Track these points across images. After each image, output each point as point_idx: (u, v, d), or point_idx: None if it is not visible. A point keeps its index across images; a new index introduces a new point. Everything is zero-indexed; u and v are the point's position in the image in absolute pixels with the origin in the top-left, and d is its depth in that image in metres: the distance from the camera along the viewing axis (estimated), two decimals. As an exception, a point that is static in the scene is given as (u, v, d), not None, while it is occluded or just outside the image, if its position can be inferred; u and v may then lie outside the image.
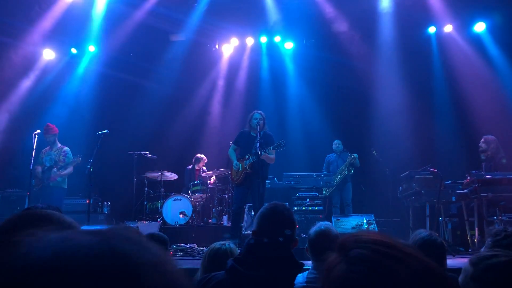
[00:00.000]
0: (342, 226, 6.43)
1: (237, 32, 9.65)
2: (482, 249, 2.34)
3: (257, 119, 6.17)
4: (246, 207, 6.94)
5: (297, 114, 9.89)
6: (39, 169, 7.03)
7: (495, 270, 1.35)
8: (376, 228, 6.41)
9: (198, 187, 8.25)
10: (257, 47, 9.97)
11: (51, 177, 6.97)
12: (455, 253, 5.49)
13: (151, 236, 2.74)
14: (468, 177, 6.10)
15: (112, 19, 8.79)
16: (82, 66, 9.66)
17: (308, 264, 2.73)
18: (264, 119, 6.24)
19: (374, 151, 8.11)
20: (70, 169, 7.12)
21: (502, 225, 5.10)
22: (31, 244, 0.47)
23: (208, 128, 10.05)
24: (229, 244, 2.76)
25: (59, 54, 9.47)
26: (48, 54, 9.34)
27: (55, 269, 0.44)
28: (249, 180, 6.13)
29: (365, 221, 6.48)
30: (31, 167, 6.76)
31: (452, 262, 4.01)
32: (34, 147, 6.74)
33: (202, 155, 8.98)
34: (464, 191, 6.12)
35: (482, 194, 5.72)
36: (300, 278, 2.54)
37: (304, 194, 7.36)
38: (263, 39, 9.81)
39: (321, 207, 7.25)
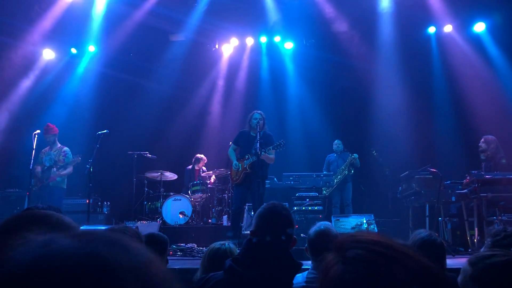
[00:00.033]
0: (342, 226, 6.43)
1: (237, 32, 9.65)
2: (482, 249, 2.34)
3: (257, 119, 6.17)
4: (246, 207, 6.93)
5: (297, 114, 9.89)
6: (39, 169, 7.03)
7: (494, 270, 1.35)
8: (375, 228, 6.40)
9: (198, 187, 8.25)
10: (257, 47, 9.97)
11: (50, 177, 6.97)
12: (455, 253, 5.49)
13: (151, 236, 2.73)
14: (468, 177, 6.10)
15: (112, 19, 8.80)
16: (82, 66, 9.66)
17: (308, 264, 2.73)
18: (264, 119, 6.24)
19: (374, 151, 8.12)
20: (69, 169, 7.12)
21: (502, 225, 5.11)
22: (16, 249, 0.48)
23: (208, 128, 10.05)
24: (228, 244, 2.76)
25: (59, 54, 9.47)
26: (48, 54, 9.34)
27: (32, 276, 0.45)
28: (248, 180, 6.13)
29: (364, 221, 6.48)
30: (30, 167, 6.76)
31: (451, 262, 4.01)
32: (34, 147, 6.74)
33: (202, 155, 8.98)
34: (464, 191, 6.12)
35: (481, 194, 5.72)
36: (300, 278, 2.54)
37: (304, 194, 7.36)
38: (263, 39, 9.81)
39: (320, 207, 7.24)
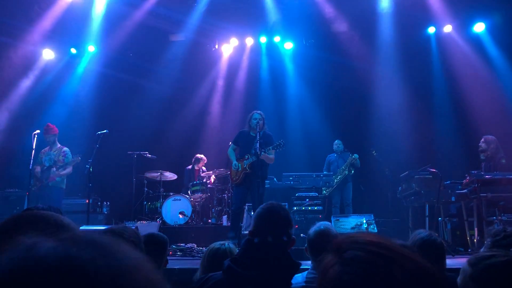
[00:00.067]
0: (342, 226, 6.43)
1: (237, 32, 9.65)
2: (482, 249, 2.34)
3: (257, 119, 6.17)
4: (246, 207, 6.93)
5: (297, 114, 9.89)
6: (38, 169, 7.03)
7: (493, 270, 1.35)
8: (375, 228, 6.40)
9: (198, 187, 8.25)
10: (256, 47, 9.97)
11: (50, 177, 6.98)
12: (455, 253, 5.50)
13: (150, 236, 2.73)
14: (468, 177, 6.10)
15: (112, 19, 8.79)
16: (82, 66, 9.66)
17: (308, 264, 2.73)
18: (263, 119, 6.24)
19: (374, 151, 8.12)
20: (69, 169, 7.12)
21: (502, 225, 5.11)
22: (3, 253, 0.49)
23: (208, 128, 10.05)
24: (228, 244, 2.76)
25: (59, 54, 9.47)
26: (48, 54, 9.34)
27: (10, 281, 0.46)
28: (248, 180, 6.13)
29: (364, 221, 6.47)
30: (30, 167, 6.75)
31: (451, 262, 4.01)
32: (34, 147, 6.74)
33: (202, 155, 8.98)
34: (464, 191, 6.13)
35: (481, 194, 5.73)
36: (300, 278, 2.54)
37: (304, 194, 7.36)
38: (263, 39, 9.81)
39: (320, 207, 7.25)
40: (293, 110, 9.95)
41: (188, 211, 7.93)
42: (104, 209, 8.17)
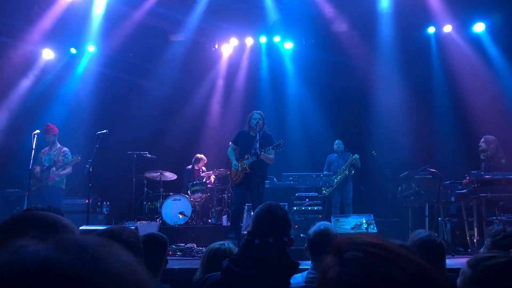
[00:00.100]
0: (342, 226, 6.42)
1: (237, 32, 9.65)
2: (481, 250, 2.34)
3: (257, 119, 6.17)
4: (246, 207, 6.93)
5: (297, 114, 9.89)
6: (38, 169, 7.03)
7: (493, 272, 1.35)
8: (375, 228, 6.40)
9: (198, 187, 8.25)
10: (256, 47, 9.97)
11: (49, 176, 6.98)
12: (454, 253, 5.50)
13: (150, 236, 2.73)
14: (468, 177, 6.11)
15: (112, 19, 8.79)
16: (82, 66, 9.65)
17: (308, 264, 2.73)
18: (263, 119, 6.24)
19: (374, 151, 8.12)
20: (69, 169, 7.12)
21: (501, 225, 5.10)
22: None
23: (208, 128, 10.04)
24: (228, 244, 2.76)
25: (59, 54, 9.46)
26: (48, 54, 9.33)
27: None
28: (248, 180, 6.12)
29: (364, 221, 6.47)
30: (30, 167, 6.75)
31: (451, 262, 4.01)
32: (33, 147, 6.74)
33: (202, 155, 8.97)
34: (463, 191, 6.13)
35: (481, 194, 5.73)
36: (299, 278, 2.54)
37: (304, 194, 7.36)
38: (263, 39, 9.81)
39: (320, 207, 7.25)
40: (293, 110, 9.95)
41: (188, 211, 7.93)
42: (104, 209, 8.17)
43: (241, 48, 9.99)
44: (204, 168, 8.98)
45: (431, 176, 6.53)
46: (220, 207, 8.34)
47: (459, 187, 6.30)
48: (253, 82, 10.06)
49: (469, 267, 1.42)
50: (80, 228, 4.11)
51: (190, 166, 9.02)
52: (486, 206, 5.78)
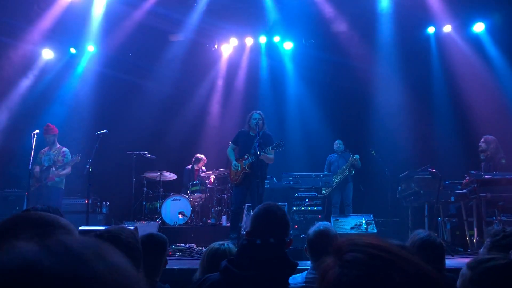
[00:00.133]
0: (341, 226, 6.42)
1: (236, 32, 9.64)
2: (481, 250, 2.34)
3: (256, 119, 6.16)
4: (245, 207, 6.93)
5: (296, 114, 9.89)
6: (38, 169, 7.03)
7: (493, 273, 1.35)
8: (375, 229, 6.39)
9: (197, 187, 8.24)
10: (256, 47, 9.97)
11: (49, 176, 6.97)
12: (454, 253, 5.50)
13: (150, 237, 2.73)
14: (467, 177, 6.11)
15: (111, 19, 8.78)
16: (81, 66, 9.65)
17: (307, 264, 2.73)
18: (263, 119, 6.23)
19: (373, 151, 8.12)
20: (68, 170, 7.12)
21: (501, 225, 5.10)
22: None
23: (207, 128, 10.04)
24: (228, 244, 2.75)
25: (58, 54, 9.46)
26: (47, 54, 9.33)
27: None
28: (248, 180, 6.12)
29: (364, 221, 6.47)
30: (30, 167, 6.75)
31: (451, 262, 4.02)
32: (33, 147, 6.74)
33: (202, 155, 8.97)
34: (463, 191, 6.13)
35: (481, 194, 5.73)
36: (299, 278, 2.54)
37: (303, 194, 7.36)
38: (262, 39, 9.81)
39: (320, 207, 7.25)
40: (292, 110, 9.95)
41: (188, 211, 7.93)
42: (104, 209, 8.17)
43: (241, 48, 9.99)
44: (204, 168, 8.98)
45: (430, 176, 6.53)
46: (220, 207, 8.34)
47: (459, 187, 6.30)
48: (253, 82, 10.06)
49: (469, 269, 1.42)
50: (80, 228, 4.11)
51: (190, 166, 9.02)
52: (486, 206, 5.78)
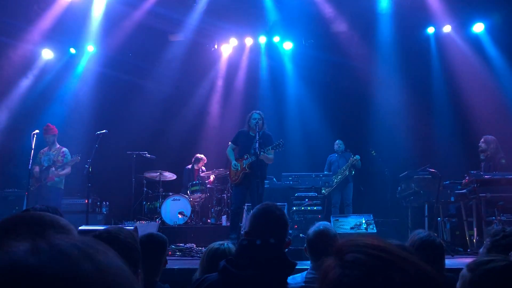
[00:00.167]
0: (341, 226, 6.42)
1: (236, 32, 9.64)
2: (481, 250, 2.34)
3: (256, 119, 6.16)
4: (245, 207, 6.93)
5: (296, 114, 9.89)
6: (37, 169, 7.02)
7: (492, 275, 1.35)
8: (374, 229, 6.39)
9: (197, 187, 8.25)
10: (256, 47, 9.97)
11: (48, 176, 6.97)
12: (454, 253, 5.50)
13: (150, 236, 2.73)
14: (467, 177, 6.11)
15: (111, 19, 8.78)
16: (81, 66, 9.65)
17: (307, 264, 2.73)
18: (263, 119, 6.24)
19: (373, 151, 8.12)
20: (68, 170, 7.12)
21: (501, 225, 5.11)
22: None
23: (207, 128, 10.05)
24: (227, 244, 2.75)
25: (58, 54, 9.46)
26: (47, 54, 9.33)
27: None
28: (248, 180, 6.12)
29: (363, 221, 6.47)
30: (29, 167, 6.75)
31: (450, 262, 4.02)
32: (33, 147, 6.74)
33: (202, 155, 8.97)
34: (463, 191, 6.13)
35: (480, 194, 5.73)
36: (299, 278, 2.54)
37: (303, 194, 7.36)
38: (262, 39, 9.81)
39: (320, 207, 7.24)
40: (292, 110, 9.95)
41: (188, 211, 7.93)
42: (103, 209, 8.17)
43: (240, 48, 9.99)
44: (203, 168, 8.98)
45: (430, 176, 6.53)
46: (220, 207, 8.34)
47: (459, 187, 6.30)
48: (252, 82, 10.06)
49: (469, 270, 1.42)
50: (79, 228, 4.10)
51: (189, 166, 9.02)
52: (486, 206, 5.78)
